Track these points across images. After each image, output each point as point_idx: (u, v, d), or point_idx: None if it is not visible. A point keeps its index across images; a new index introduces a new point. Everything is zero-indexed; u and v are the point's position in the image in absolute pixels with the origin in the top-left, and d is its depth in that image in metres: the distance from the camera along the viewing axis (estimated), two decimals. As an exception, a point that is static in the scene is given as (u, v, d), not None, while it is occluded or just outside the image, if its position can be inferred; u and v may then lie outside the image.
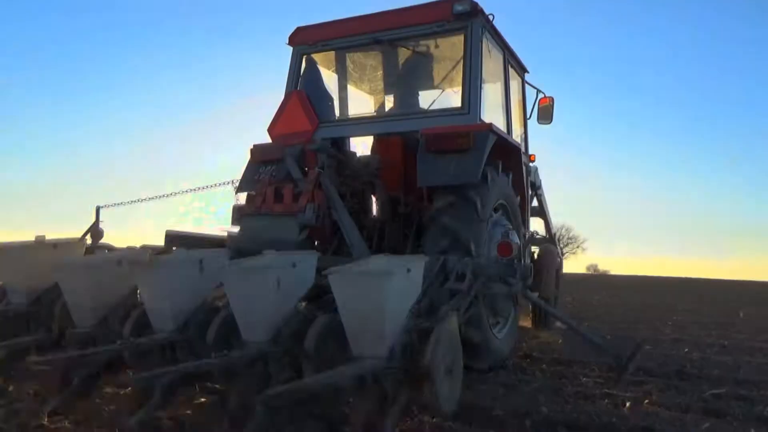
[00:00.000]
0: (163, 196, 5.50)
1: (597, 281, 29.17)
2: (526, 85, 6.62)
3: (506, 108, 5.84)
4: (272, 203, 4.34)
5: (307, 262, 3.11)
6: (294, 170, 4.69)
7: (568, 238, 40.81)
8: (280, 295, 2.81)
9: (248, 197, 4.63)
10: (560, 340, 5.98)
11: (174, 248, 3.77)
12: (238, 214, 4.54)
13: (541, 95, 6.59)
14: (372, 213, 5.62)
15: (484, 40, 5.12)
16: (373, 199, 5.30)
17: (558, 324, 6.95)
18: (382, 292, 2.44)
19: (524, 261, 5.38)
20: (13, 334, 3.26)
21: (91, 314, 3.13)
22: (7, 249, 3.53)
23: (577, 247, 42.31)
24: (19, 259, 3.50)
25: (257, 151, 5.30)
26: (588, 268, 46.91)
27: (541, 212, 7.35)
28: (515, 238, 4.86)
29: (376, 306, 2.44)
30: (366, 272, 2.57)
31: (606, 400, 3.63)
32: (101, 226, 4.60)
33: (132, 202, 5.51)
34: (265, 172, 4.97)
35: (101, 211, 4.70)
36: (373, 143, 5.71)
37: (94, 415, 2.87)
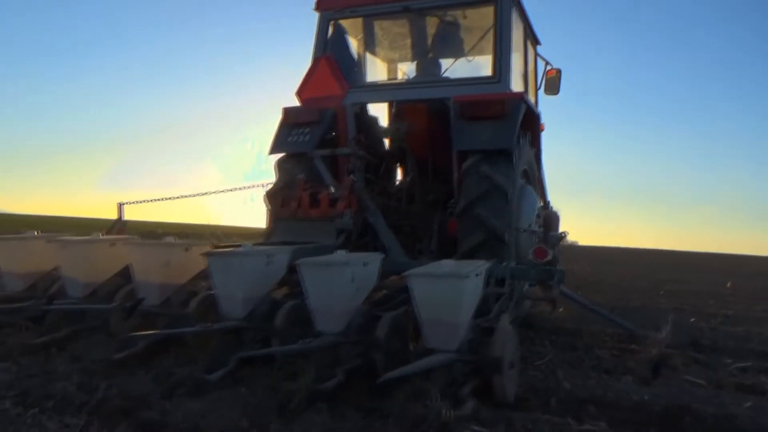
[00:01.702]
0: (186, 196, 5.43)
1: (569, 252, 29.18)
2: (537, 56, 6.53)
3: (525, 77, 5.71)
4: (308, 208, 4.25)
5: (375, 262, 3.26)
6: (326, 175, 4.58)
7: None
8: (353, 290, 2.95)
9: (282, 201, 4.42)
10: (561, 309, 5.51)
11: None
12: (273, 217, 4.45)
13: (548, 67, 6.30)
14: (396, 178, 5.68)
15: (513, 12, 4.97)
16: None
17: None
18: (459, 292, 2.61)
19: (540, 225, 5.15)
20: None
21: (158, 293, 3.32)
22: (68, 243, 3.49)
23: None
24: (79, 253, 3.47)
25: (289, 113, 5.07)
26: (558, 239, 47.44)
27: (540, 180, 7.03)
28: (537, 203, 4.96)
29: (453, 304, 2.61)
30: (446, 274, 2.68)
31: (630, 376, 3.24)
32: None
33: (153, 200, 5.41)
34: (297, 133, 4.79)
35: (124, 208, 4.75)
36: (395, 109, 5.57)
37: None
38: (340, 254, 3.19)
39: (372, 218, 4.35)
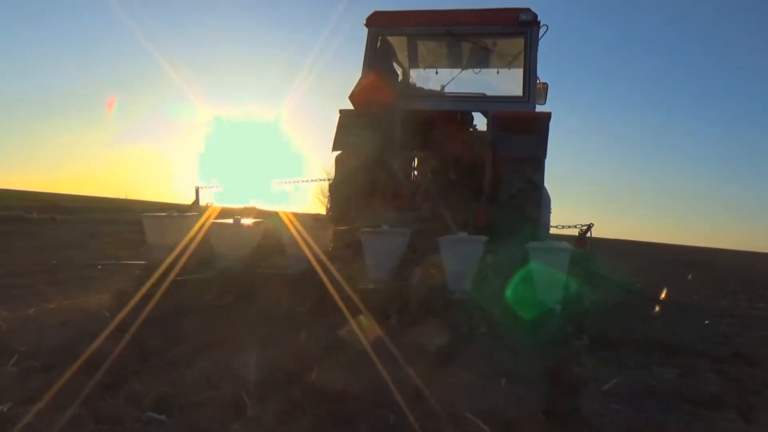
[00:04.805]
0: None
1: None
2: None
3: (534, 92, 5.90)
4: (390, 200, 4.97)
5: (484, 241, 3.88)
6: (400, 173, 5.37)
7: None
8: (478, 260, 3.74)
9: (365, 193, 5.04)
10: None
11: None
12: (356, 206, 5.08)
13: (537, 80, 6.33)
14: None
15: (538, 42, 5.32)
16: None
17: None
18: (566, 260, 3.59)
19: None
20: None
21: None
22: (223, 226, 4.18)
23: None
24: (231, 232, 4.16)
25: (345, 115, 5.34)
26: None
27: None
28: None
29: (562, 268, 3.55)
30: (559, 248, 3.67)
31: (728, 408, 2.53)
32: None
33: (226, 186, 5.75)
34: (356, 133, 5.27)
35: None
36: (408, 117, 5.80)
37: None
38: (464, 235, 3.93)
39: (441, 210, 4.92)
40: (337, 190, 5.25)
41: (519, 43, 5.56)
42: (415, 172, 5.93)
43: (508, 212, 4.74)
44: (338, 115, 5.40)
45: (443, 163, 5.62)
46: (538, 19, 5.34)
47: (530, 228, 4.63)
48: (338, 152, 5.33)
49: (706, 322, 4.90)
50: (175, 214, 4.33)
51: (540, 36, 5.46)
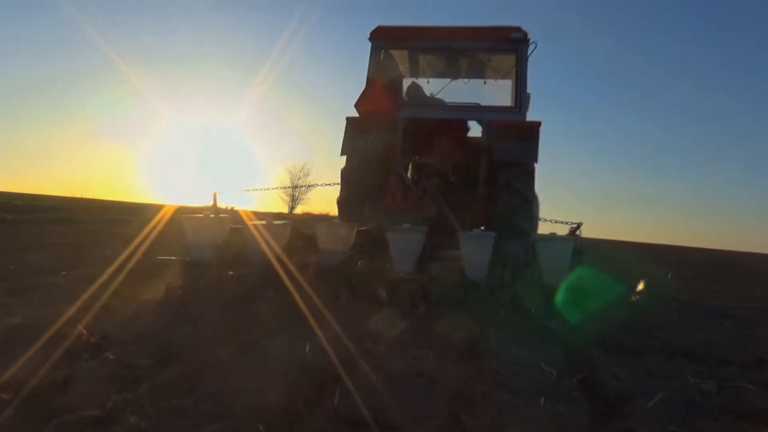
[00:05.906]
0: (268, 189, 5.98)
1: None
2: None
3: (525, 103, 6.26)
4: (401, 202, 5.21)
5: (494, 236, 4.32)
6: (407, 180, 5.64)
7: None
8: (490, 251, 4.28)
9: (375, 195, 5.39)
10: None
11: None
12: (369, 208, 5.31)
13: None
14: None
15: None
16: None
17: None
18: (570, 249, 4.45)
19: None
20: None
21: (336, 258, 4.47)
22: (268, 227, 4.73)
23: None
24: (265, 233, 4.61)
25: (353, 122, 5.71)
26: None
27: None
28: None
29: (566, 257, 4.41)
30: (562, 239, 4.61)
31: None
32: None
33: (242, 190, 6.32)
34: (363, 139, 5.67)
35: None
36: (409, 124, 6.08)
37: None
38: (479, 231, 4.40)
39: (446, 211, 5.32)
40: (347, 192, 5.65)
41: (510, 58, 6.00)
42: (417, 176, 6.29)
43: (503, 225, 5.19)
44: (345, 122, 5.85)
45: (443, 166, 5.90)
46: (528, 37, 5.77)
47: (523, 233, 5.17)
48: (345, 156, 5.80)
49: (718, 324, 4.94)
50: (211, 216, 4.72)
51: (530, 52, 5.82)
